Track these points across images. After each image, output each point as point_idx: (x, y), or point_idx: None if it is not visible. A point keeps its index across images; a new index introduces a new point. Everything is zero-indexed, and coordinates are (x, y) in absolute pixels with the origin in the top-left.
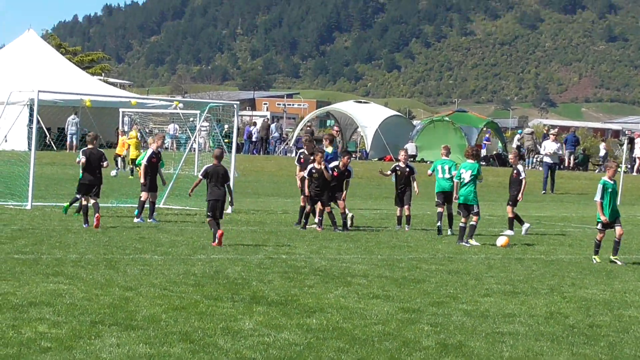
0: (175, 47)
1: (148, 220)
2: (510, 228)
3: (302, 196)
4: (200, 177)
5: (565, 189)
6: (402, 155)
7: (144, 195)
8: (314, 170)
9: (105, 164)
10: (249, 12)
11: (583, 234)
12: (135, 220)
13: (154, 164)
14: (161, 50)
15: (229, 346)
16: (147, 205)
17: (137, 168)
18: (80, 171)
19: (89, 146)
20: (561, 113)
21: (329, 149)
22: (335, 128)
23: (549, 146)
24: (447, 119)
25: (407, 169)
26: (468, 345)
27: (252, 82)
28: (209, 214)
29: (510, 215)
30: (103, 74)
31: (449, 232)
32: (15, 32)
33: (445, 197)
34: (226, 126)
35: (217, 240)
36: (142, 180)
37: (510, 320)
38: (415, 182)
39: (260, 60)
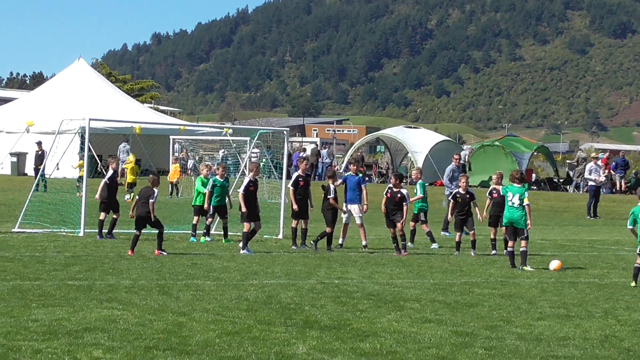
0: (224, 74)
1: (241, 252)
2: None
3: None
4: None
5: (617, 212)
6: (462, 182)
7: (246, 225)
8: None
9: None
10: (297, 40)
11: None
12: (242, 252)
13: (252, 192)
14: (210, 77)
15: None
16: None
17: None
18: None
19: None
20: (612, 137)
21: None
22: (456, 156)
23: (593, 169)
24: (497, 143)
25: (468, 195)
26: None
27: (301, 108)
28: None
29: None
30: (153, 102)
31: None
32: (66, 61)
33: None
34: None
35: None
36: (243, 210)
37: (565, 343)
38: (477, 208)
39: (309, 86)
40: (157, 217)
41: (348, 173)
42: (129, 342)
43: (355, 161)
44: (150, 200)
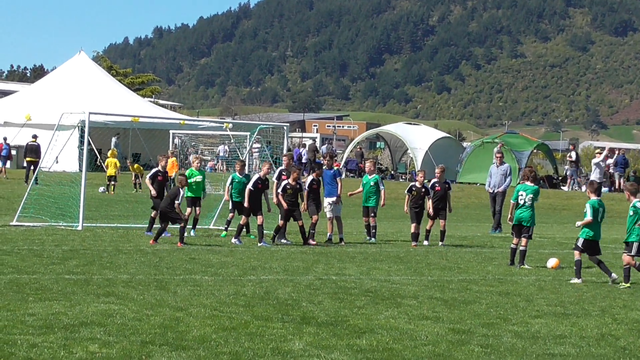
0: (226, 69)
1: (259, 244)
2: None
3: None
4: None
5: (616, 210)
6: (419, 176)
7: (243, 219)
8: (288, 187)
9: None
10: (299, 35)
11: None
12: (233, 240)
13: (260, 189)
14: (211, 72)
15: None
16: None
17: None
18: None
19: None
20: (612, 135)
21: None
22: (498, 155)
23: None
24: (497, 140)
25: (423, 189)
26: None
27: (302, 104)
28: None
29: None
30: (153, 96)
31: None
32: (67, 54)
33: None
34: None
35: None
36: (245, 204)
37: (561, 341)
38: (429, 202)
39: (310, 82)
40: (179, 212)
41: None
42: (126, 337)
43: (329, 156)
44: (176, 202)
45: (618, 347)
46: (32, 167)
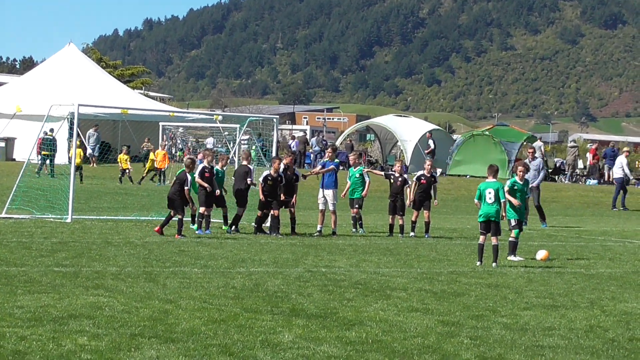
0: (216, 61)
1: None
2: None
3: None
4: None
5: (605, 203)
6: (397, 165)
7: (239, 210)
8: (269, 178)
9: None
10: (289, 27)
11: (623, 248)
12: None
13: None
14: (201, 64)
15: (268, 359)
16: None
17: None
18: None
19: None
20: (601, 127)
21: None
22: (530, 150)
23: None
24: (487, 133)
25: (400, 179)
26: (507, 358)
27: (292, 96)
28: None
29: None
30: (143, 88)
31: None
32: (56, 46)
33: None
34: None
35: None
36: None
37: (550, 333)
38: (408, 192)
39: (300, 74)
40: (189, 199)
41: (325, 159)
42: (115, 329)
43: (331, 149)
44: (185, 188)
45: (607, 339)
46: (47, 161)
